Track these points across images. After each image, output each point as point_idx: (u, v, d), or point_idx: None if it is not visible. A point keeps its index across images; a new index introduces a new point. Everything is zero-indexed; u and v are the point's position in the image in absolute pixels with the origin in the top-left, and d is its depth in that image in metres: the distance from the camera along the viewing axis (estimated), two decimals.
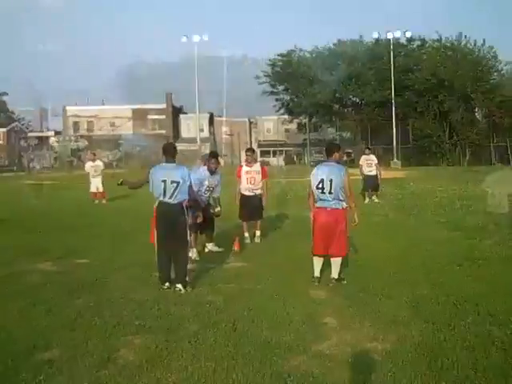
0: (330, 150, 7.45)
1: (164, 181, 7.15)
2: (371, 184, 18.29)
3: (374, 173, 18.43)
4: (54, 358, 4.80)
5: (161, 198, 7.19)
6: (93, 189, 19.98)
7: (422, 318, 5.70)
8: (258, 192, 10.73)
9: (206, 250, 9.77)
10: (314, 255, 7.34)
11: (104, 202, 19.56)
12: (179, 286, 7.01)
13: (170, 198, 7.13)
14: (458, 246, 9.74)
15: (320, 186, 7.19)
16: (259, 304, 6.33)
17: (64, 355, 4.84)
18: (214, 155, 9.95)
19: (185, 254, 7.29)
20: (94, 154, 22.21)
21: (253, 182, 10.68)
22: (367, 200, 18.07)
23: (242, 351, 4.90)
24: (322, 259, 7.29)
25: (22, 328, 5.57)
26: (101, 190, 19.85)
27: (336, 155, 7.37)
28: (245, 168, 10.79)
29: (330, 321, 5.77)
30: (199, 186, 9.19)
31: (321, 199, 7.23)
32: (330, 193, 7.14)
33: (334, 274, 7.33)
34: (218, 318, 5.82)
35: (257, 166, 10.83)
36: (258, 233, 10.89)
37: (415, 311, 5.95)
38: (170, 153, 7.44)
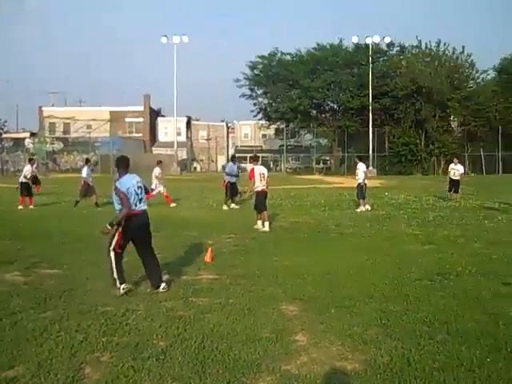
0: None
1: None
2: None
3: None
4: (18, 376, 4.69)
5: None
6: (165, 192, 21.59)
7: (392, 336, 5.68)
8: None
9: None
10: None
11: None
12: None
13: None
14: (430, 259, 9.77)
15: None
16: (230, 319, 6.28)
17: (28, 373, 4.73)
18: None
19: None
20: (161, 162, 23.43)
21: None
22: None
23: (210, 370, 4.84)
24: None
25: None
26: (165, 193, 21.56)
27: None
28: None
29: (300, 338, 5.72)
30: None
31: None
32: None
33: None
34: (188, 335, 5.75)
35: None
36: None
37: (385, 329, 5.92)
38: (123, 165, 7.76)
